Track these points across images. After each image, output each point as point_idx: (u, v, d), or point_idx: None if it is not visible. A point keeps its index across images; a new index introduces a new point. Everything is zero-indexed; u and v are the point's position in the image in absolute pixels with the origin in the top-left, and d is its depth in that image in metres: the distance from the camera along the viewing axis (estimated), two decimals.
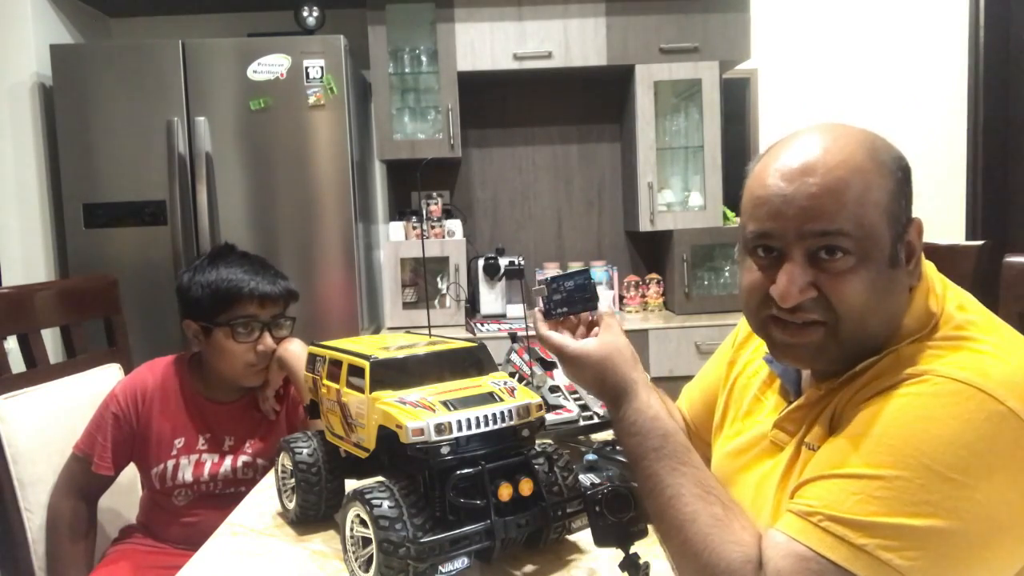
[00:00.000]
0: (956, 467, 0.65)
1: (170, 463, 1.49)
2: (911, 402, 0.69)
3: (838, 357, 0.79)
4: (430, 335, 1.10)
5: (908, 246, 0.78)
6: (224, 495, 1.50)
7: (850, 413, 0.74)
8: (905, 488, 0.65)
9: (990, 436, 0.66)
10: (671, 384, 1.14)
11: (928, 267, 0.83)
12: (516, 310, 2.99)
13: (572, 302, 0.96)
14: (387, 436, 0.89)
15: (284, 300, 1.52)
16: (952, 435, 0.66)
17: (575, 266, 3.15)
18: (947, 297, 0.80)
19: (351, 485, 0.97)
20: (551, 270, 3.10)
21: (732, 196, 3.04)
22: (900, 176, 0.77)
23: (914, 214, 0.81)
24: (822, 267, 0.76)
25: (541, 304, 0.97)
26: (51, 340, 1.71)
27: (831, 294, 0.75)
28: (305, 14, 2.74)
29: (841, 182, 0.74)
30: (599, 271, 3.11)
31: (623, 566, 0.84)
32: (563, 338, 0.92)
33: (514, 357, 1.51)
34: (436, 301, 2.97)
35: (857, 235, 0.74)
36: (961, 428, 0.66)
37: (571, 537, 1.00)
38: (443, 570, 0.85)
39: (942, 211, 3.13)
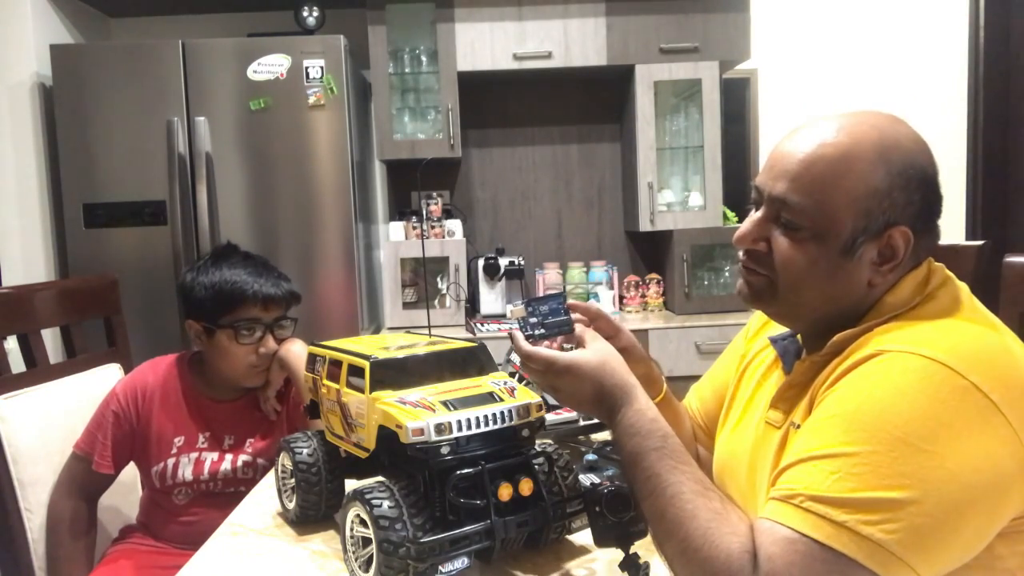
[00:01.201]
0: (927, 438, 0.67)
1: (170, 461, 1.49)
2: (879, 379, 0.72)
3: (782, 312, 0.88)
4: (430, 335, 1.10)
5: (888, 249, 0.81)
6: (224, 494, 1.50)
7: (824, 393, 0.77)
8: (880, 462, 0.67)
9: (955, 408, 0.68)
10: (671, 384, 1.15)
11: (930, 261, 0.85)
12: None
13: (547, 326, 0.98)
14: (387, 436, 0.89)
15: (287, 302, 1.53)
16: (920, 409, 0.68)
17: (575, 266, 3.15)
18: (933, 280, 0.82)
19: (351, 485, 0.97)
20: (554, 266, 3.10)
21: (732, 196, 3.04)
22: (900, 181, 0.79)
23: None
24: (781, 229, 0.83)
25: (517, 326, 0.98)
26: (51, 340, 1.71)
27: (775, 253, 0.83)
28: (305, 14, 2.74)
29: (823, 160, 0.79)
30: (599, 271, 3.11)
31: (623, 566, 0.84)
32: (553, 351, 0.92)
33: (514, 357, 1.50)
34: (436, 301, 2.97)
35: (813, 214, 0.80)
36: (928, 402, 0.69)
37: (571, 537, 1.00)
38: (443, 570, 0.85)
39: (942, 211, 3.12)
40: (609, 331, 1.06)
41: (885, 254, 0.81)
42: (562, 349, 0.95)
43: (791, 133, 0.85)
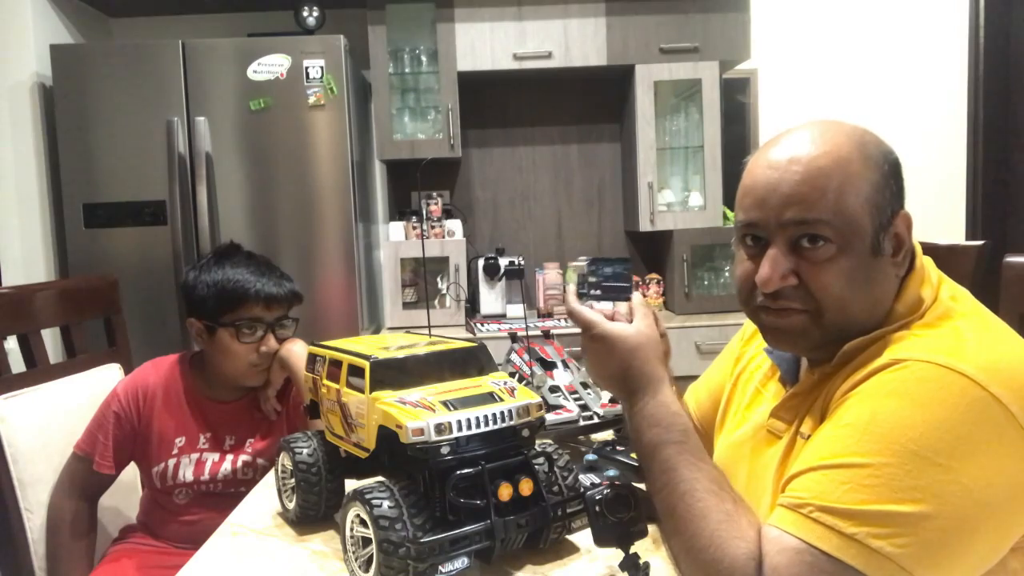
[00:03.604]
0: (942, 452, 0.66)
1: (171, 462, 1.49)
2: (896, 389, 0.70)
3: (822, 341, 0.81)
4: (430, 335, 1.10)
5: (896, 238, 0.80)
6: (224, 495, 1.50)
7: (838, 402, 0.76)
8: (893, 475, 0.66)
9: (973, 421, 0.67)
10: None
11: (926, 260, 0.84)
12: (516, 310, 2.99)
13: (606, 288, 0.97)
14: (387, 436, 0.89)
15: (288, 302, 1.53)
16: (937, 420, 0.67)
17: (575, 266, 3.15)
18: (940, 287, 0.81)
19: (351, 485, 0.97)
20: (555, 273, 3.10)
21: (732, 196, 3.03)
22: (887, 169, 0.79)
23: (914, 214, 0.82)
24: (804, 255, 0.79)
25: (576, 283, 0.97)
26: (51, 340, 1.71)
27: (811, 283, 0.78)
28: (305, 14, 2.74)
29: (823, 172, 0.77)
30: None
31: (623, 566, 0.84)
32: (597, 315, 0.91)
33: (514, 357, 1.50)
34: (436, 301, 2.97)
35: (837, 224, 0.77)
36: (945, 413, 0.67)
37: (571, 537, 1.00)
38: (443, 570, 0.85)
39: (942, 211, 3.13)
40: (661, 330, 1.06)
41: (896, 243, 0.80)
42: (613, 317, 0.94)
43: (760, 165, 0.81)
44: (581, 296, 0.97)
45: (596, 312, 0.93)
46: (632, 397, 0.87)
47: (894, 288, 0.81)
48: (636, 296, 0.95)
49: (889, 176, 0.79)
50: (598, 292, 0.97)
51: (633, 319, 0.92)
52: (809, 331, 0.81)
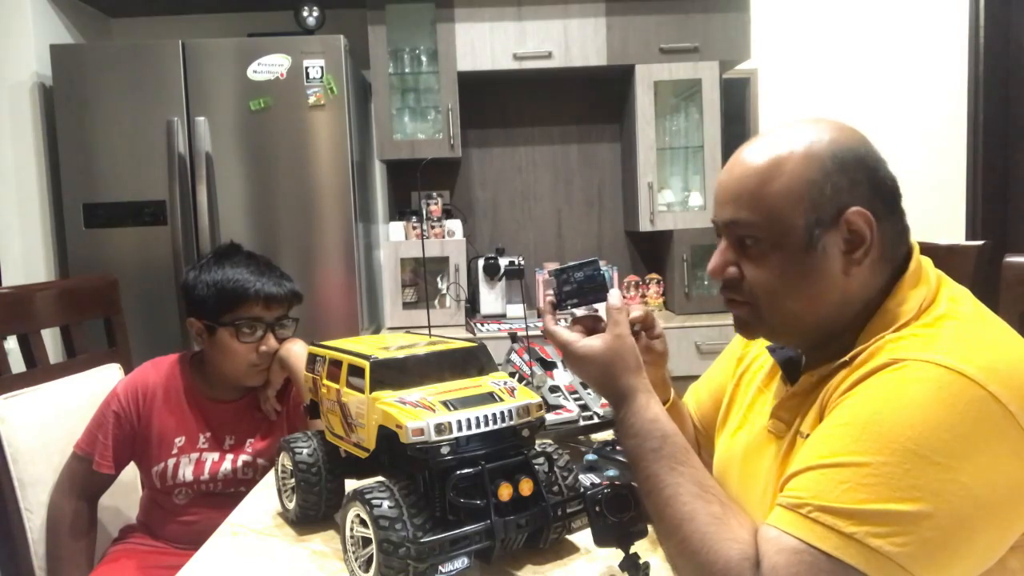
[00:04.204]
0: (941, 451, 0.66)
1: (170, 462, 1.49)
2: (894, 389, 0.70)
3: (777, 332, 0.87)
4: (430, 335, 1.10)
5: (852, 234, 0.79)
6: (224, 495, 1.50)
7: (836, 401, 0.76)
8: (892, 474, 0.66)
9: (973, 420, 0.67)
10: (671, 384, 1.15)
11: (925, 260, 0.84)
12: (516, 310, 2.99)
13: (583, 292, 0.98)
14: (387, 436, 0.89)
15: (288, 301, 1.53)
16: (936, 420, 0.67)
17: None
18: (940, 288, 0.81)
19: (351, 485, 0.97)
20: (553, 265, 3.10)
21: None
22: (831, 166, 0.79)
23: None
24: (744, 252, 0.84)
25: (551, 295, 0.98)
26: (51, 340, 1.71)
27: (746, 277, 0.84)
28: (305, 14, 2.74)
29: (754, 172, 0.81)
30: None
31: (623, 566, 0.84)
32: (569, 335, 0.93)
33: (514, 357, 1.51)
34: (436, 301, 2.97)
35: (762, 223, 0.81)
36: (945, 413, 0.67)
37: (571, 537, 1.00)
38: (443, 570, 0.85)
39: (942, 211, 3.13)
40: (657, 332, 1.07)
41: (852, 240, 0.79)
42: (596, 327, 0.95)
43: (721, 171, 0.88)
44: (561, 306, 0.98)
45: (570, 332, 0.93)
46: (614, 409, 0.88)
47: (839, 286, 0.80)
48: (612, 295, 0.94)
49: (834, 172, 0.78)
50: (575, 300, 0.98)
51: (605, 330, 0.92)
52: (752, 322, 0.86)
